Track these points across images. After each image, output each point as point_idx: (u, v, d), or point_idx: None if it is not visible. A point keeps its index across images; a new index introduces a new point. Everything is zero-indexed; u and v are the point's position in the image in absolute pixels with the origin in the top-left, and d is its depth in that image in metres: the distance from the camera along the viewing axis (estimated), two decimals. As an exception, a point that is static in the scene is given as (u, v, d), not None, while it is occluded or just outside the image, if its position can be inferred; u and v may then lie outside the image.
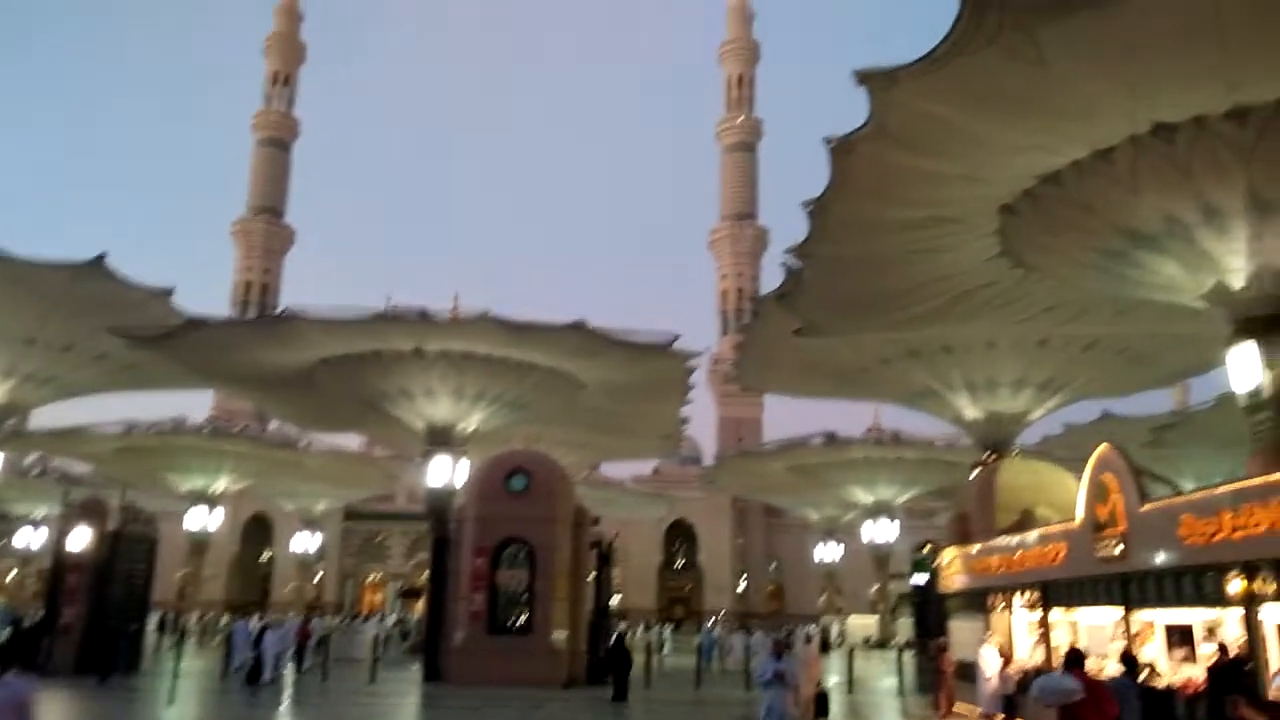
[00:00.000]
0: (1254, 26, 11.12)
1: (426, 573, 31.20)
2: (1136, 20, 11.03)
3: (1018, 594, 16.51)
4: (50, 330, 27.63)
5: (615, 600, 57.48)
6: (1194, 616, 12.52)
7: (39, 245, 22.97)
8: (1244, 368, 15.16)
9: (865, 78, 12.84)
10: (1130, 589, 12.93)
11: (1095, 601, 14.00)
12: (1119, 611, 13.37)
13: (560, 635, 21.84)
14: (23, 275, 24.74)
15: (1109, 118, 13.21)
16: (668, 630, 47.67)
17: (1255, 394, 14.97)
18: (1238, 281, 14.84)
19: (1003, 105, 13.20)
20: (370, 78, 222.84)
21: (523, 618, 21.89)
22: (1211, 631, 12.24)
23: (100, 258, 24.28)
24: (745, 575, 69.84)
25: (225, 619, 46.36)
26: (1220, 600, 10.99)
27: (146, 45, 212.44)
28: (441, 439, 30.52)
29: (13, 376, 29.01)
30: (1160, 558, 12.13)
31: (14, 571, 64.91)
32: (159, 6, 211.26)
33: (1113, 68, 12.12)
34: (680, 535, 69.79)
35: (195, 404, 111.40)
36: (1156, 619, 13.20)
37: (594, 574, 24.24)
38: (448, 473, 30.73)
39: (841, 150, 14.44)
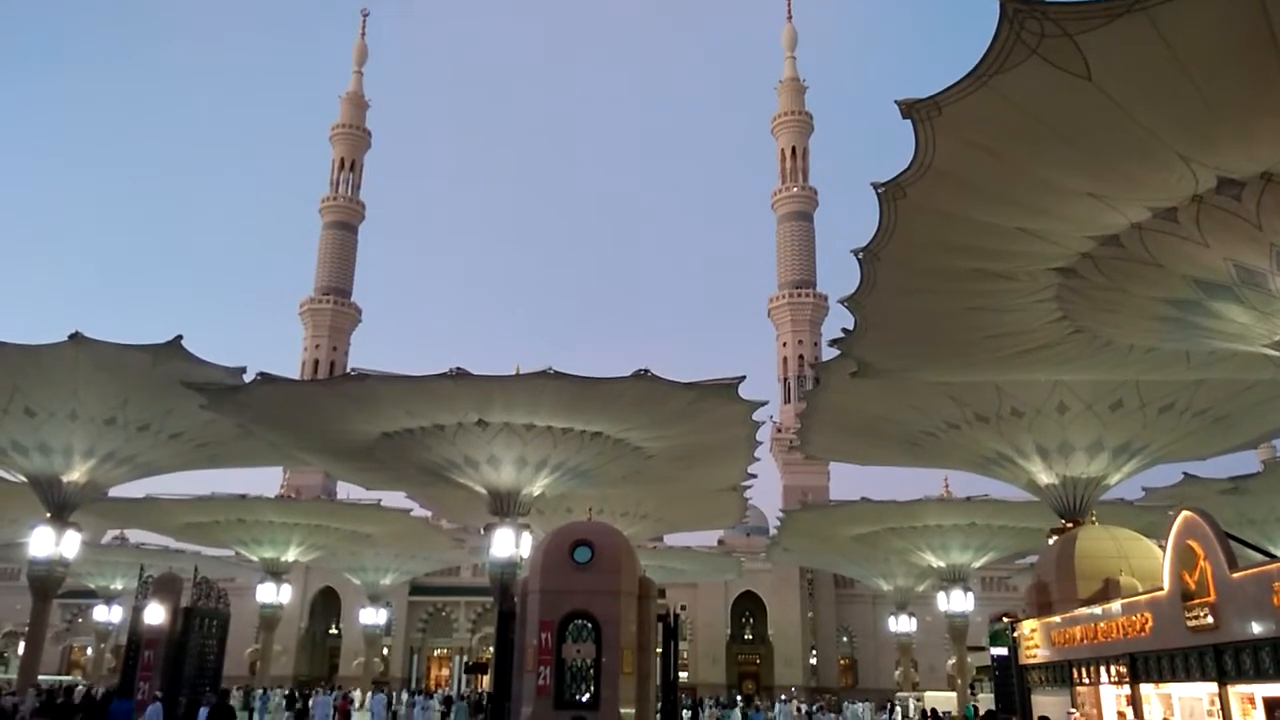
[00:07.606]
0: None
1: (492, 646, 30.99)
2: (1183, 30, 10.26)
3: (1104, 667, 15.80)
4: (130, 410, 28.69)
5: (683, 675, 56.38)
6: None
7: (109, 333, 24.12)
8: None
9: (909, 108, 12.40)
10: (1224, 660, 12.29)
11: (1187, 675, 13.32)
12: (1212, 686, 12.70)
13: (628, 711, 21.40)
14: (108, 358, 25.90)
15: (1168, 160, 12.32)
16: (736, 710, 46.37)
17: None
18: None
19: (1051, 133, 12.51)
20: (434, 150, 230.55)
21: (589, 693, 21.55)
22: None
23: (178, 339, 25.29)
24: (814, 649, 67.92)
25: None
26: (1323, 673, 10.39)
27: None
28: (505, 506, 30.61)
29: (94, 456, 30.08)
30: (1255, 628, 11.54)
31: (89, 648, 66.25)
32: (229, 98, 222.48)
33: (1165, 90, 11.29)
34: (748, 608, 68.43)
35: (264, 482, 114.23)
36: (1255, 692, 12.48)
37: (660, 648, 23.79)
38: (511, 545, 30.73)
39: (890, 194, 14.15)
